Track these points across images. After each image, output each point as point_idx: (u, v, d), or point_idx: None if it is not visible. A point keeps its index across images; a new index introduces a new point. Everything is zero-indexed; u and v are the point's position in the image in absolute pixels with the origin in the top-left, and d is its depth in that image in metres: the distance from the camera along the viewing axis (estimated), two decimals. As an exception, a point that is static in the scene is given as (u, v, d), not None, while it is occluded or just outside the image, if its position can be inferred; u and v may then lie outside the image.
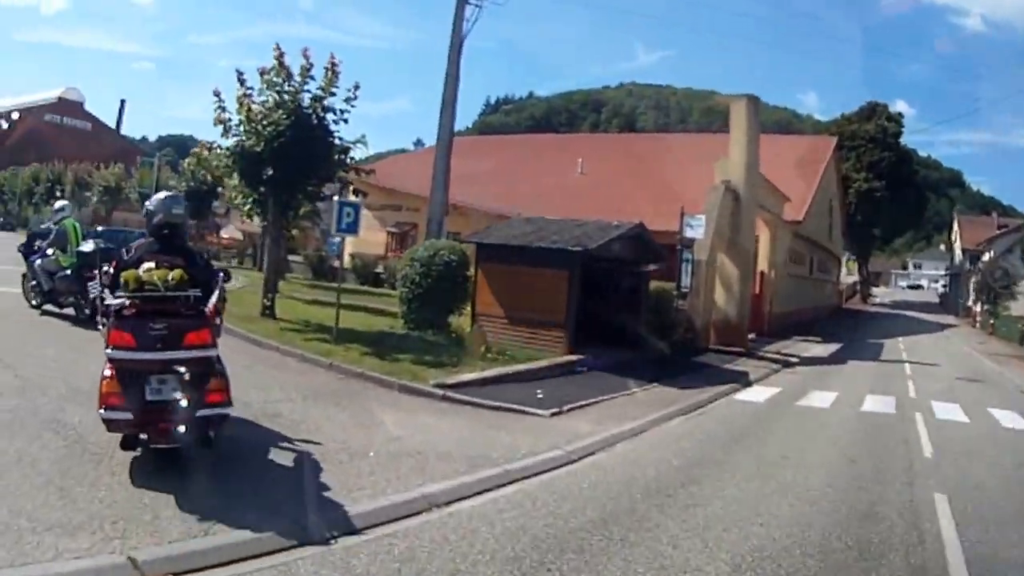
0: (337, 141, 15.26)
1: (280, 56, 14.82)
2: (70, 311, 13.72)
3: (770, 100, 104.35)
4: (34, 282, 14.18)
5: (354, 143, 15.71)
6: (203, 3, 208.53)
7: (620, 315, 16.79)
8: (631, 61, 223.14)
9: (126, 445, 6.10)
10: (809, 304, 39.68)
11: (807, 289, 40.01)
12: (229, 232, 69.16)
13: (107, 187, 56.96)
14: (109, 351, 5.91)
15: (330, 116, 15.07)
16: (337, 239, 18.87)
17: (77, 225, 14.38)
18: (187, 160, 45.20)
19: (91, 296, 9.33)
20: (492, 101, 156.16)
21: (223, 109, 14.65)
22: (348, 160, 15.76)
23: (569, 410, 10.64)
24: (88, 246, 13.63)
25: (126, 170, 56.80)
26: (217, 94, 14.67)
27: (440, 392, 10.52)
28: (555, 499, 6.75)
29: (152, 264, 6.19)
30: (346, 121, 15.31)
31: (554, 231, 16.16)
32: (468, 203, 32.85)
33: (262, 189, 15.16)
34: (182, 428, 5.88)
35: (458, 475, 7.01)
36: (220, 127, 14.67)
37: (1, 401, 7.58)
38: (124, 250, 6.58)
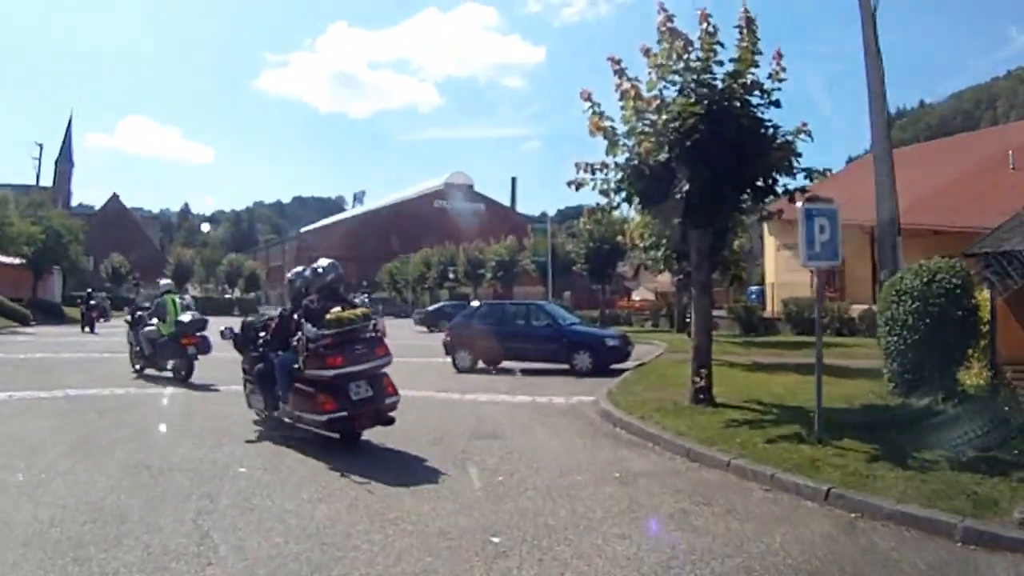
0: (771, 132, 12.11)
1: (667, 19, 12.11)
2: (168, 373, 17.84)
3: None
4: (137, 348, 18.85)
5: (794, 135, 12.40)
6: (573, 78, 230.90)
7: None
8: (1008, 45, 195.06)
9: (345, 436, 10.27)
10: None
11: None
12: (640, 294, 69.87)
13: (500, 261, 59.86)
14: (322, 372, 9.92)
15: (755, 97, 12.06)
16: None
17: (176, 299, 18.58)
18: (581, 219, 46.25)
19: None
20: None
21: (600, 114, 12.35)
22: (793, 162, 12.45)
23: None
24: (186, 317, 17.85)
25: (519, 242, 59.17)
26: (587, 97, 12.43)
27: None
28: None
29: (339, 308, 10.25)
30: (777, 104, 12.20)
31: None
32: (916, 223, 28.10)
33: (675, 221, 12.56)
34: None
35: None
36: (601, 137, 12.32)
37: None
38: (302, 308, 10.61)
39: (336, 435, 10.29)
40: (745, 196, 12.38)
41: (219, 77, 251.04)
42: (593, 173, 12.79)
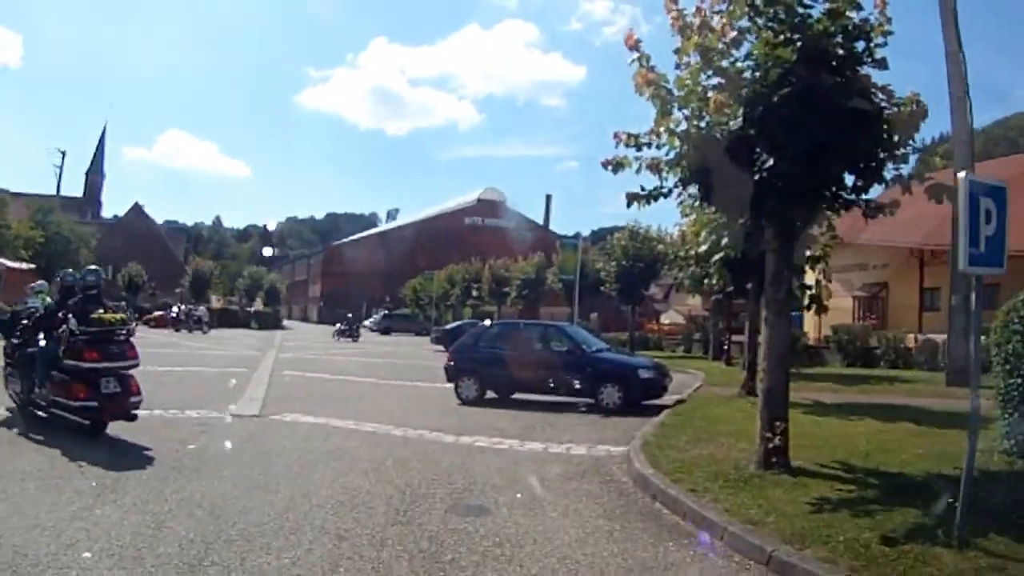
0: (880, 98, 8.69)
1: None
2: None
3: None
4: None
5: (904, 105, 8.93)
6: (613, 99, 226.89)
7: None
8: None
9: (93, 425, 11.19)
10: None
11: None
12: (669, 317, 66.51)
13: (526, 279, 57.04)
14: (79, 363, 10.86)
15: (859, 45, 8.66)
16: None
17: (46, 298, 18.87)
18: (615, 235, 43.10)
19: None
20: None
21: (651, 68, 9.02)
22: (908, 139, 8.94)
23: None
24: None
25: (547, 260, 56.31)
26: (634, 44, 9.08)
27: None
28: None
29: (101, 310, 11.30)
30: (882, 64, 8.81)
31: None
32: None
33: (740, 220, 9.18)
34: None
35: None
36: (649, 95, 8.99)
37: None
38: (68, 305, 11.47)
39: (86, 422, 11.14)
40: (847, 180, 8.86)
41: (260, 93, 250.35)
42: (639, 148, 9.42)
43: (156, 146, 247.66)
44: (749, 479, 8.79)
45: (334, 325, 57.01)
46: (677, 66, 9.28)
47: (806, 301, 22.40)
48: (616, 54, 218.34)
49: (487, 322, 21.29)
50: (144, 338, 41.00)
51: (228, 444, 11.06)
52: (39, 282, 22.16)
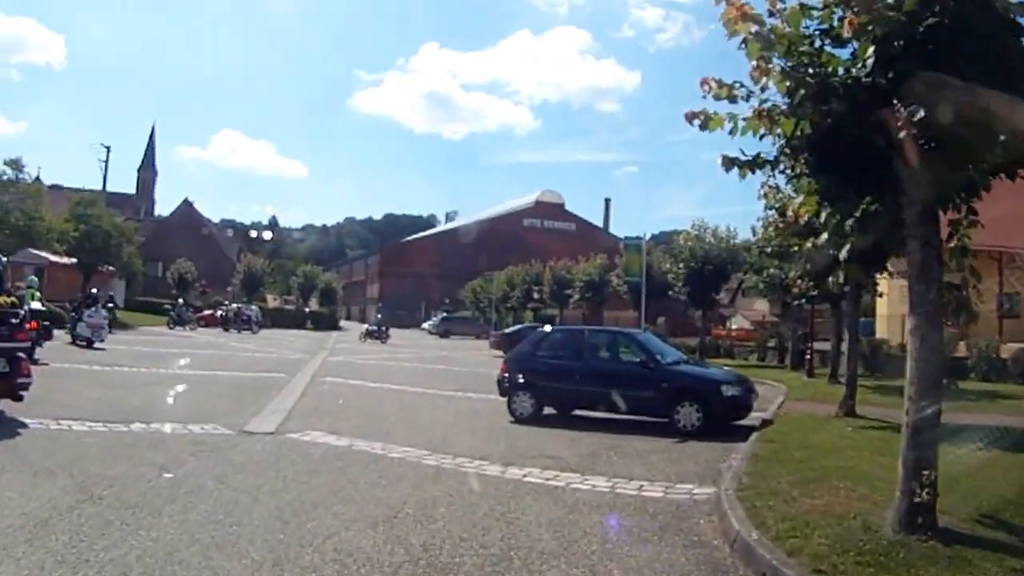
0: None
1: None
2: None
3: None
4: None
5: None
6: (669, 105, 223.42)
7: None
8: None
9: None
10: None
11: None
12: (735, 323, 63.53)
13: (589, 282, 54.93)
14: None
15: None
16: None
17: (36, 293, 23.18)
18: (682, 234, 40.62)
19: None
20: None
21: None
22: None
23: None
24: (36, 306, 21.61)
25: (610, 262, 54.06)
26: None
27: None
28: None
29: None
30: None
31: None
32: None
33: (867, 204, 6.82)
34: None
35: None
36: (746, 38, 6.71)
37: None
38: None
39: None
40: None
41: (313, 95, 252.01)
42: (733, 100, 7.08)
43: (211, 146, 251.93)
44: (890, 550, 6.36)
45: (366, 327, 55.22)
46: (771, 13, 6.98)
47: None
48: (670, 60, 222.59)
49: (546, 327, 18.81)
50: (189, 338, 40.18)
51: (215, 472, 8.94)
52: (30, 278, 24.91)
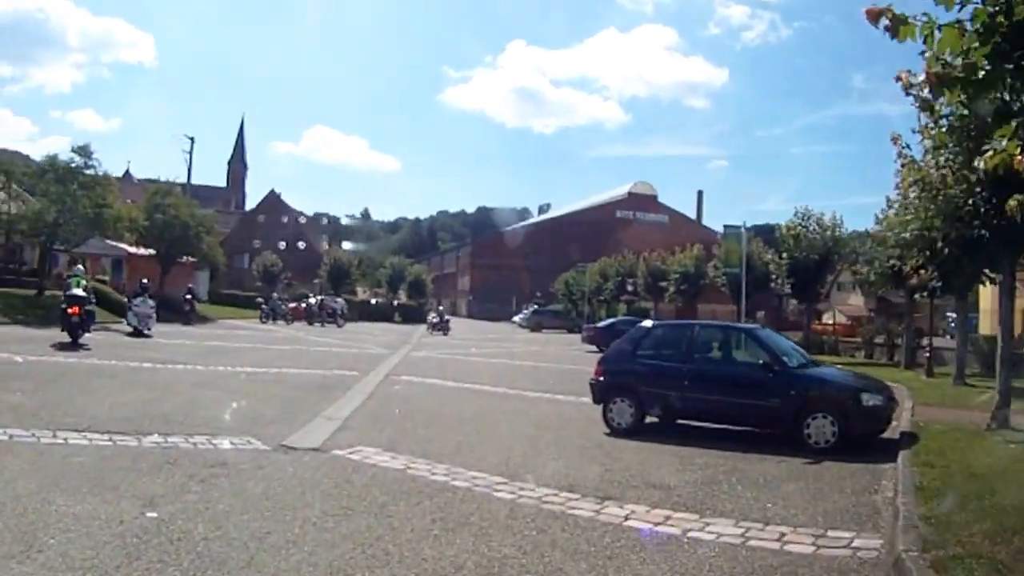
0: None
1: None
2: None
3: None
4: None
5: None
6: (758, 100, 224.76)
7: None
8: None
9: None
10: None
11: None
12: (832, 317, 60.03)
13: (684, 273, 52.26)
14: None
15: None
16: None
17: (80, 280, 23.57)
18: (785, 223, 38.62)
19: None
20: None
21: None
22: None
23: None
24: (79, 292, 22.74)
25: (706, 253, 51.37)
26: None
27: None
28: None
29: None
30: None
31: None
32: None
33: None
34: None
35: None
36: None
37: None
38: None
39: None
40: None
41: (402, 91, 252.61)
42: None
43: (303, 141, 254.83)
44: None
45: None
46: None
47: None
48: (757, 57, 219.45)
49: (646, 322, 16.03)
50: (269, 332, 38.49)
51: (216, 511, 6.71)
52: (77, 266, 25.74)
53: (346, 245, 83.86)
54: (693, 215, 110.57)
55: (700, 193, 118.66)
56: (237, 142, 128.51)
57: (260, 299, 52.79)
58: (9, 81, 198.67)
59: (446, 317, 52.25)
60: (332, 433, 11.00)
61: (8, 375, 14.68)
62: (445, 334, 47.77)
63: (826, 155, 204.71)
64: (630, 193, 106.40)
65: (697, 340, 13.48)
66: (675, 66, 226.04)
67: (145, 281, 31.86)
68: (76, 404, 11.79)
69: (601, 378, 13.43)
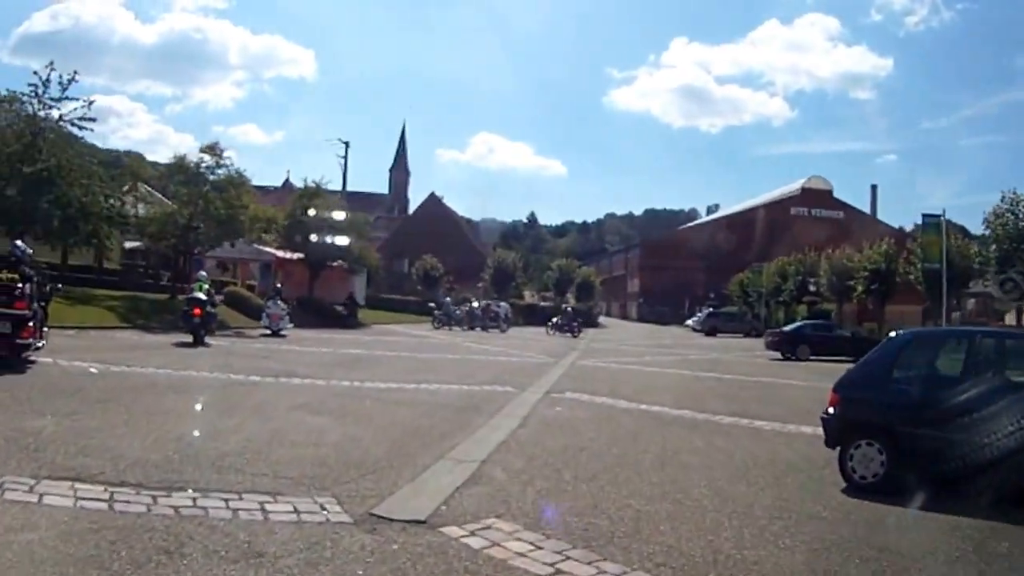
0: None
1: None
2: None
3: None
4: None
5: None
6: (924, 90, 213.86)
7: None
8: None
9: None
10: None
11: None
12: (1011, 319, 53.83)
13: (876, 270, 48.07)
14: None
15: None
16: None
17: (203, 285, 24.73)
18: (990, 209, 36.37)
19: None
20: None
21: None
22: None
23: None
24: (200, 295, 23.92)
25: (897, 248, 48.14)
26: None
27: None
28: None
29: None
30: None
31: None
32: None
33: None
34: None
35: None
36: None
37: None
38: None
39: None
40: None
41: (567, 95, 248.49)
42: None
43: (469, 148, 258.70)
44: None
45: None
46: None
47: None
48: (921, 43, 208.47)
49: (892, 333, 10.68)
50: (419, 339, 35.08)
51: None
52: (200, 272, 27.41)
53: (512, 250, 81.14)
54: (868, 210, 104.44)
55: (874, 187, 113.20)
56: (398, 149, 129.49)
57: (431, 304, 50.33)
58: (171, 100, 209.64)
59: (576, 318, 49.60)
60: (455, 490, 7.49)
61: (60, 390, 11.84)
62: (575, 336, 44.85)
63: (993, 146, 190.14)
64: (804, 189, 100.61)
65: (988, 353, 9.05)
66: (839, 57, 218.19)
67: (278, 284, 32.91)
68: (107, 436, 8.61)
69: (838, 411, 9.17)
